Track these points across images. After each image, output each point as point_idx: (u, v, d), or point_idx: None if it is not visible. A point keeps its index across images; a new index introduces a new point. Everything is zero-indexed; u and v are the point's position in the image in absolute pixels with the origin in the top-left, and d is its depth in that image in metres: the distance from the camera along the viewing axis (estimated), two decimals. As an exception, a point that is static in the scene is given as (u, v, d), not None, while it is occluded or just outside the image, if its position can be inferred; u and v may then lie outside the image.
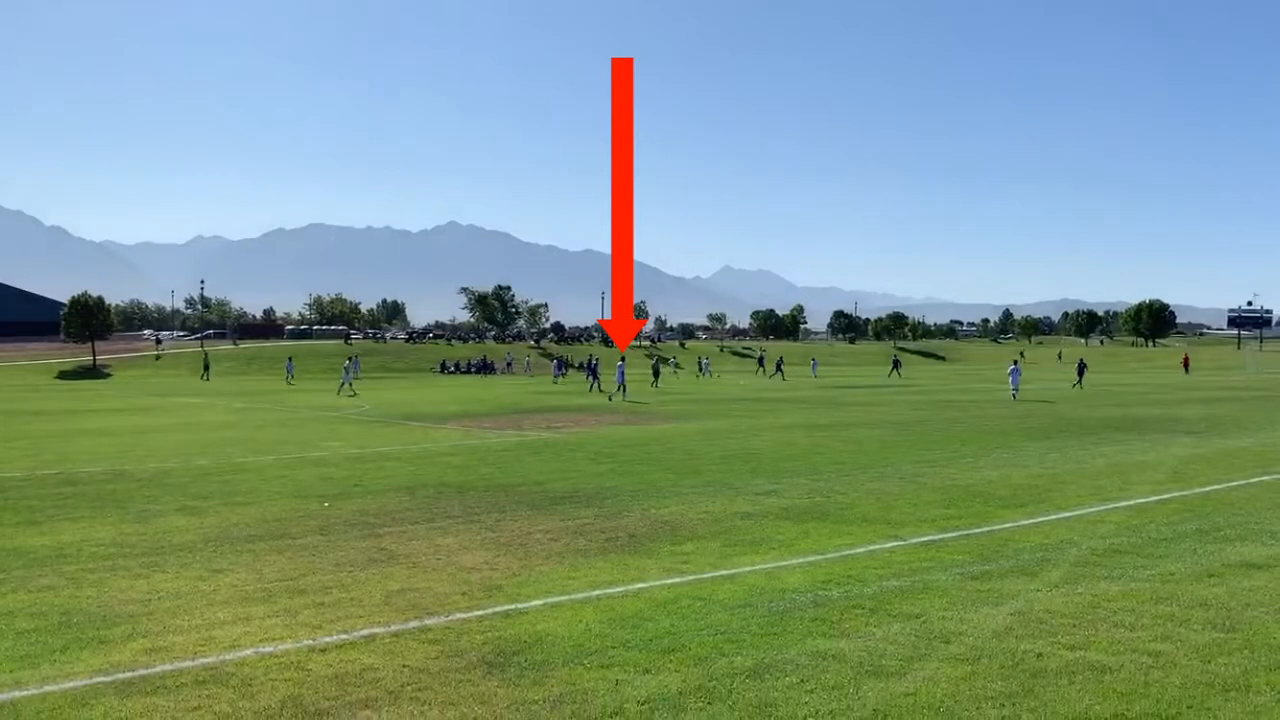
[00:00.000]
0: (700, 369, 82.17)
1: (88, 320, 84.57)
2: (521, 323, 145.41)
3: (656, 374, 57.56)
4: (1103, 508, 13.90)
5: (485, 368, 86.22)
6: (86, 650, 7.64)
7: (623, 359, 52.67)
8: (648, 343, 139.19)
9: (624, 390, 44.19)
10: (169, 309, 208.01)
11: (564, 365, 73.77)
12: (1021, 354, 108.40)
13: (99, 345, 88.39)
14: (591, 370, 53.26)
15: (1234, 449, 21.63)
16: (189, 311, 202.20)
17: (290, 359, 73.56)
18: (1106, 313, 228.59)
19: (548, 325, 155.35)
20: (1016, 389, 43.35)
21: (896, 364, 77.71)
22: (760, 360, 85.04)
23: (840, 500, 14.62)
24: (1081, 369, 55.82)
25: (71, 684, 6.88)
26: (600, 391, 47.77)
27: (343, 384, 51.63)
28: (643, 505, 14.21)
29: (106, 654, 7.54)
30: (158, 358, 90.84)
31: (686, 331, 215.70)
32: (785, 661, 7.27)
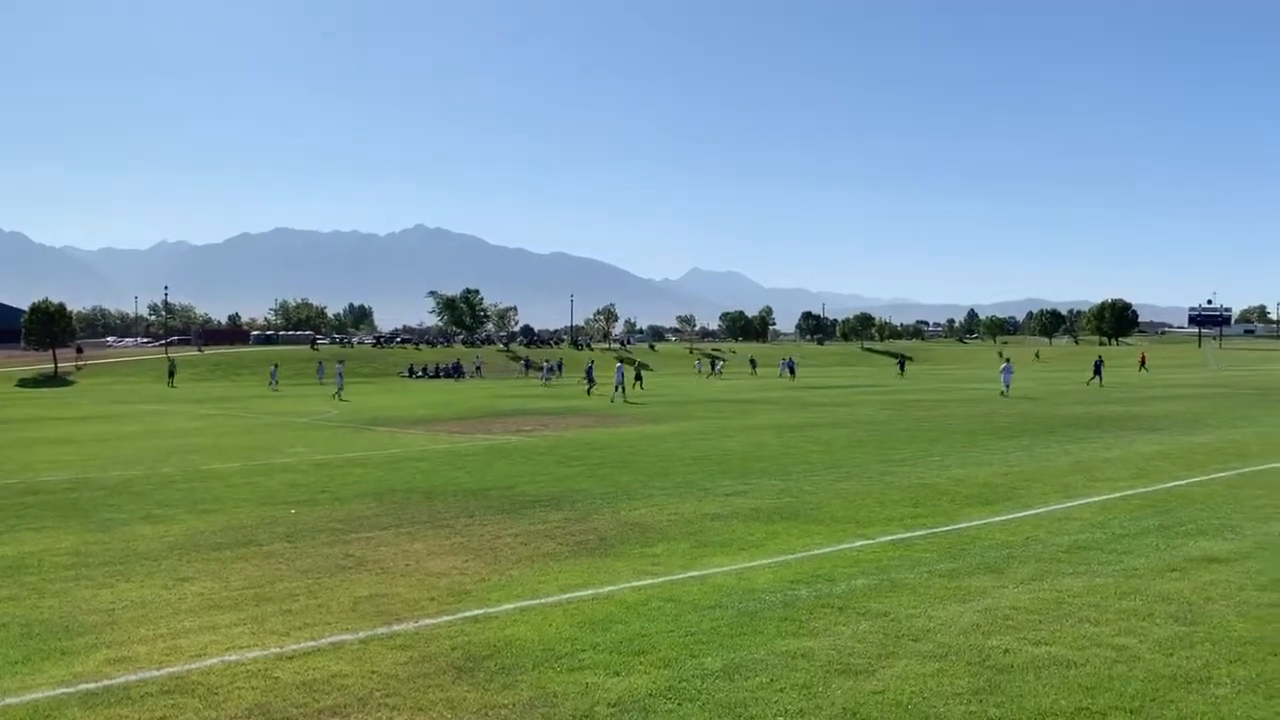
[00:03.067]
0: (712, 369, 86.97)
1: (49, 327, 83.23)
2: (490, 326, 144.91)
3: (638, 377, 57.43)
4: (1068, 504, 14.06)
5: (454, 372, 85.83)
6: (49, 661, 7.53)
7: (620, 362, 53.45)
8: (617, 345, 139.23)
9: (622, 391, 45.80)
10: (132, 315, 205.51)
11: (553, 370, 74.22)
12: (1007, 356, 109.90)
13: (60, 352, 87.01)
14: (587, 375, 53.53)
15: (1195, 445, 21.94)
16: (153, 318, 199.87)
17: (275, 365, 72.74)
18: (1070, 312, 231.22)
19: (517, 329, 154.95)
20: (1008, 385, 45.42)
21: (902, 364, 78.30)
22: (752, 362, 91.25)
23: (809, 500, 14.69)
24: (1098, 366, 55.68)
25: (33, 696, 6.78)
26: (599, 395, 48.16)
27: (338, 388, 52.44)
28: (612, 507, 14.21)
29: (70, 665, 7.44)
30: (78, 367, 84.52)
31: (656, 334, 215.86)
32: (755, 661, 7.29)
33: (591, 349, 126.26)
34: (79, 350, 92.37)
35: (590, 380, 52.74)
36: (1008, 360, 51.94)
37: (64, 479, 18.59)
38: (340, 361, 63.19)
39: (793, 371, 72.02)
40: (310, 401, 47.63)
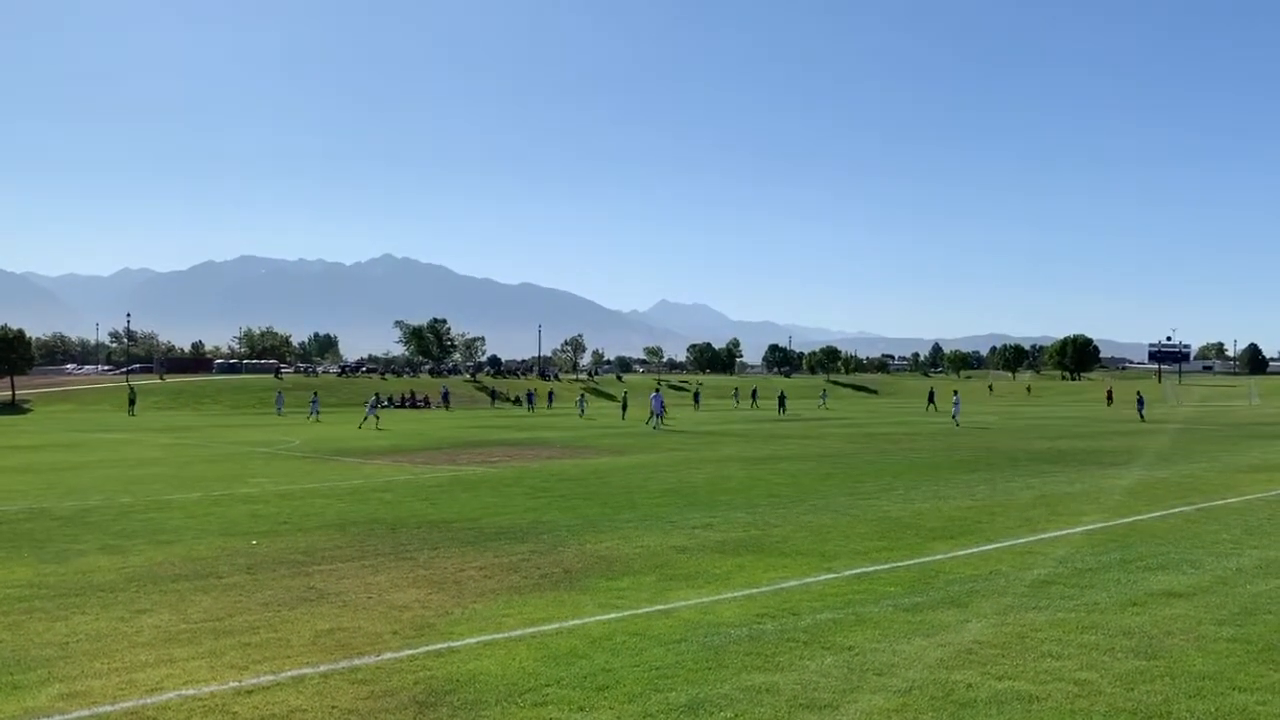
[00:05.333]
0: (695, 402, 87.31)
1: (7, 354, 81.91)
2: (457, 356, 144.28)
3: (624, 407, 57.29)
4: (1031, 538, 14.17)
5: (444, 401, 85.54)
6: (-1, 696, 7.37)
7: (657, 389, 54.54)
8: (584, 376, 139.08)
9: (656, 419, 47.79)
10: (93, 342, 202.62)
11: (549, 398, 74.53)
12: (954, 389, 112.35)
13: (18, 380, 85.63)
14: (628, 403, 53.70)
15: (1155, 480, 22.20)
16: (114, 345, 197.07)
17: (315, 393, 69.50)
18: (1033, 347, 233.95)
19: (484, 359, 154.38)
20: (956, 415, 50.06)
21: (931, 396, 78.20)
22: (752, 395, 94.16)
23: (775, 533, 14.70)
24: (1141, 402, 58.40)
25: (-18, 732, 6.63)
26: (635, 419, 48.87)
27: (365, 418, 52.91)
28: (578, 540, 14.14)
29: (20, 700, 7.27)
30: None
31: (624, 365, 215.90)
32: (720, 696, 7.26)
33: (560, 380, 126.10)
34: None
35: (655, 412, 52.23)
36: (955, 393, 60.47)
37: (19, 509, 18.24)
38: (375, 395, 63.65)
39: (782, 405, 71.17)
40: (272, 430, 47.13)
